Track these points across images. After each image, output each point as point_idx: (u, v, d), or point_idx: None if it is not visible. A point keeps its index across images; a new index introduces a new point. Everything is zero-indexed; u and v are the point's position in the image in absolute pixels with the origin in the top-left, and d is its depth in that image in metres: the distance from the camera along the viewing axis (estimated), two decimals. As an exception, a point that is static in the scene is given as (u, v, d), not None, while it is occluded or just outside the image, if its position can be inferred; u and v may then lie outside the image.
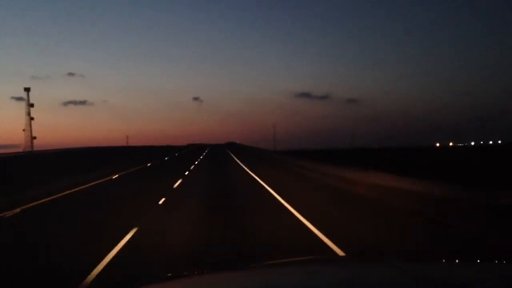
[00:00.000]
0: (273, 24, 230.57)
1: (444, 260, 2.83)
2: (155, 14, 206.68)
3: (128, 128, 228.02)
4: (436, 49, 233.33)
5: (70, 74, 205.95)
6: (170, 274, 2.54)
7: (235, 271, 2.65)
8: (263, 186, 16.36)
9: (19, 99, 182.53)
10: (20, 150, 75.14)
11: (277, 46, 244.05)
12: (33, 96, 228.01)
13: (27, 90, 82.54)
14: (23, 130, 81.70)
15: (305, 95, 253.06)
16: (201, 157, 52.71)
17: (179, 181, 19.38)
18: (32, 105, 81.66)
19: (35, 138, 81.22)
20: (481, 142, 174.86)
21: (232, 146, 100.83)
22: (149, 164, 37.14)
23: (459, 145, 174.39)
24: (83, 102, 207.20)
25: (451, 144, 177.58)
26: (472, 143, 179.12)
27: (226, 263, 6.21)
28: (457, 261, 2.72)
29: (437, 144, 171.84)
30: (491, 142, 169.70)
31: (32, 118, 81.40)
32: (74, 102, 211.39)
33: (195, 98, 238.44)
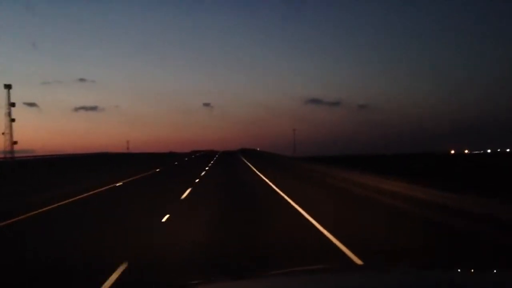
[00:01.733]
0: (283, 30, 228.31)
1: (457, 268, 2.60)
2: (167, 19, 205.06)
3: (138, 134, 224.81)
4: (449, 53, 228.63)
5: (81, 79, 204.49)
6: (182, 284, 2.78)
7: (247, 280, 2.61)
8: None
9: (31, 104, 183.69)
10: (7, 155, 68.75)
11: (287, 52, 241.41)
12: (44, 102, 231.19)
13: (7, 87, 73.99)
14: (3, 133, 73.49)
15: (316, 101, 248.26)
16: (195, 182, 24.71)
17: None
18: (13, 105, 73.80)
19: (15, 143, 73.01)
20: (498, 150, 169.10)
21: (250, 155, 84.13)
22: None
23: (475, 152, 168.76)
24: (94, 108, 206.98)
25: (466, 151, 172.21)
26: (489, 151, 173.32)
27: (239, 271, 6.26)
28: (471, 269, 2.51)
29: (452, 151, 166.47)
30: (508, 150, 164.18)
31: (13, 120, 73.61)
32: (85, 108, 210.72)
33: (206, 104, 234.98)
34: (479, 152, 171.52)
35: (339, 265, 5.67)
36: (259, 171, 34.02)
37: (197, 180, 25.20)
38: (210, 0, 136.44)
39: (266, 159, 60.62)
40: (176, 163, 51.51)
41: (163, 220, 11.60)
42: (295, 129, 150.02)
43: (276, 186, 21.07)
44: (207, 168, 39.25)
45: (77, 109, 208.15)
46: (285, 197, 16.74)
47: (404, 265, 2.48)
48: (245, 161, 56.60)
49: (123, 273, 6.45)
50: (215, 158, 66.98)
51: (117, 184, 23.59)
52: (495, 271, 2.47)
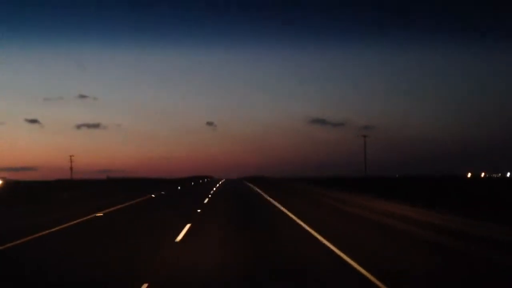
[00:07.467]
0: (288, 49, 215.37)
1: None
2: (168, 37, 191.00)
3: (139, 154, 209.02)
4: (458, 74, 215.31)
5: (83, 96, 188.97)
6: None
7: None
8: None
9: (32, 121, 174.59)
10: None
11: (292, 71, 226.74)
12: (46, 119, 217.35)
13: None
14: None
15: (320, 121, 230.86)
16: None
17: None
18: None
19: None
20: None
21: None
22: None
23: (494, 176, 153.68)
24: (96, 125, 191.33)
25: (483, 174, 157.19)
26: (508, 174, 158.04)
27: None
28: None
29: (469, 174, 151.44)
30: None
31: None
32: (88, 125, 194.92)
33: (209, 123, 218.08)
34: (496, 175, 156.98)
35: None
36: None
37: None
38: (213, 19, 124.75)
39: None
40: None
41: None
42: (365, 136, 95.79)
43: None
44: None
45: (79, 126, 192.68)
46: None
47: None
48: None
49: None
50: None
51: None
52: None
